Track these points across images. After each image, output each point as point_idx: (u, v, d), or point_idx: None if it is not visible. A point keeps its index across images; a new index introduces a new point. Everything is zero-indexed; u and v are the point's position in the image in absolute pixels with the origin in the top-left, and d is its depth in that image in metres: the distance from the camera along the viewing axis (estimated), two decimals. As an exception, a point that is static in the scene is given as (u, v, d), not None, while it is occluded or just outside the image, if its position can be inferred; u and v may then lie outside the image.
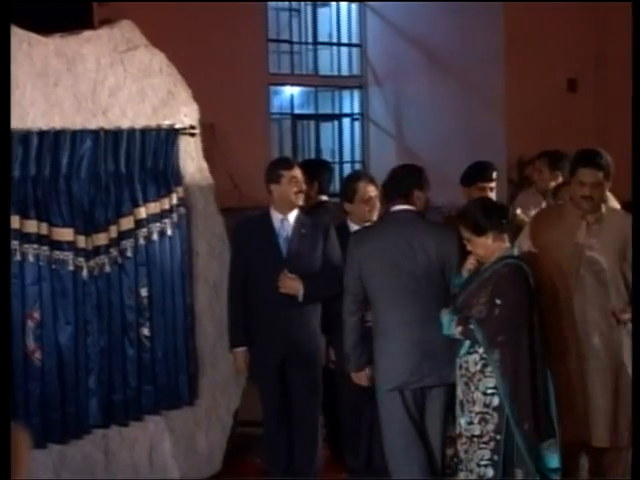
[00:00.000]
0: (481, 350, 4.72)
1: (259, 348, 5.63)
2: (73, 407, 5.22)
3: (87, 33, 5.49)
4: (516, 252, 4.86)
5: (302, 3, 22.29)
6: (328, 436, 6.20)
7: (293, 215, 5.63)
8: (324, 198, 6.40)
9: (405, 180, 5.25)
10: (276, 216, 5.64)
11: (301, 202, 5.64)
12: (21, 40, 5.12)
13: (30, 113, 5.12)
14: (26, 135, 5.01)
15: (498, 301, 4.66)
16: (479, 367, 4.74)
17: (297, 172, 5.62)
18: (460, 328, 4.73)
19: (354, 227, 5.72)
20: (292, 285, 5.48)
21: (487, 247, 4.79)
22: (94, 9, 15.21)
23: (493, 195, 6.19)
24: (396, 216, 5.21)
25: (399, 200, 5.20)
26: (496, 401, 4.70)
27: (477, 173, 6.28)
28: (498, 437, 4.70)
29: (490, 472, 4.73)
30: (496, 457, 4.71)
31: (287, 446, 5.69)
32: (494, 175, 6.24)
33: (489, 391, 4.71)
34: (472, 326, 4.69)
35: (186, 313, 5.66)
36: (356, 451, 5.85)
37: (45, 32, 5.30)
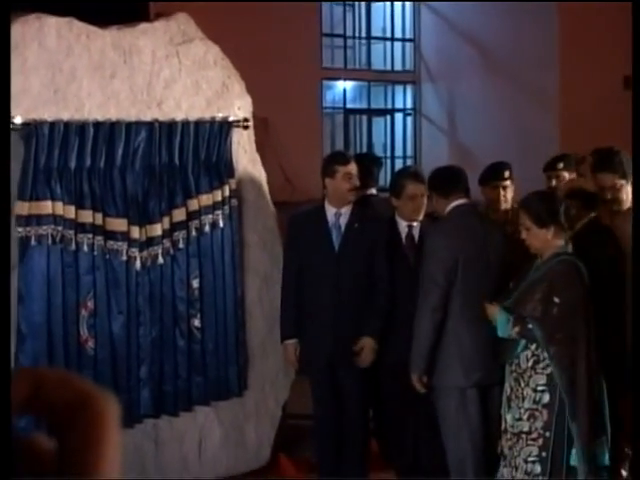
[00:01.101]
0: (533, 347, 4.69)
1: (310, 341, 5.64)
2: (125, 396, 5.27)
3: (143, 26, 5.53)
4: (570, 249, 4.82)
5: (356, -2, 22.26)
6: (376, 431, 6.19)
7: (347, 209, 5.63)
8: (372, 192, 6.38)
9: (465, 177, 5.32)
10: (330, 210, 5.64)
11: (354, 198, 5.64)
12: (79, 33, 5.17)
13: (87, 104, 5.17)
14: (82, 126, 5.07)
15: (556, 299, 4.62)
16: (530, 363, 4.71)
17: (352, 168, 5.60)
18: (517, 328, 4.70)
19: (402, 222, 5.70)
20: (369, 355, 5.52)
21: (545, 241, 4.75)
22: (150, 2, 15.33)
23: (508, 194, 6.18)
24: (470, 210, 5.26)
25: (462, 195, 5.22)
26: (546, 398, 4.67)
27: (491, 173, 6.32)
28: (547, 434, 4.67)
29: (538, 468, 4.71)
30: (544, 454, 4.69)
31: (337, 440, 5.70)
32: (507, 174, 6.26)
33: (539, 388, 4.69)
34: (530, 325, 4.66)
35: (236, 305, 5.69)
36: (402, 450, 5.84)
37: (102, 25, 5.35)
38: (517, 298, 4.77)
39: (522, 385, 4.74)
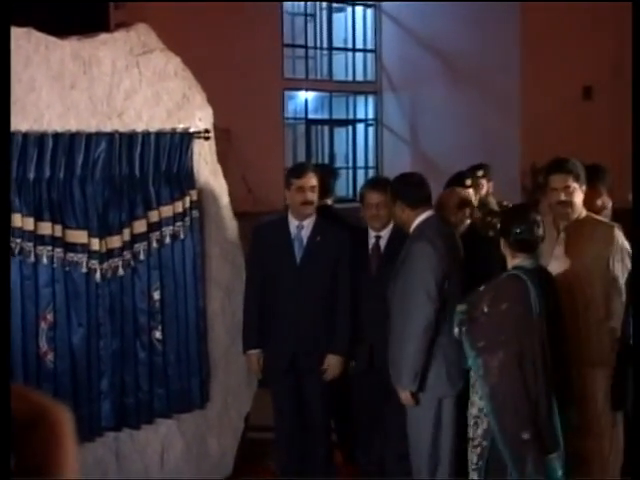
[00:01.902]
0: None
1: (271, 352, 5.66)
2: (85, 409, 5.22)
3: (103, 36, 5.50)
4: (530, 264, 4.71)
5: (317, 9, 22.34)
6: (339, 439, 6.19)
7: (310, 221, 5.63)
8: (327, 203, 6.34)
9: (429, 185, 5.34)
10: (293, 222, 5.66)
11: (308, 212, 5.61)
12: (38, 43, 5.13)
13: (46, 115, 5.13)
14: (41, 137, 5.02)
15: (486, 309, 4.68)
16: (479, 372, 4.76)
17: (305, 182, 5.58)
18: (456, 329, 4.79)
19: (371, 232, 5.69)
20: (334, 371, 5.59)
21: (502, 249, 4.81)
22: (111, 12, 15.28)
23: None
24: (441, 221, 5.31)
25: (430, 205, 5.26)
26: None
27: (452, 179, 6.45)
28: (484, 443, 4.69)
29: (475, 476, 4.73)
30: (480, 462, 4.71)
31: (300, 450, 5.70)
32: (468, 182, 6.35)
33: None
34: (457, 329, 4.73)
35: (198, 316, 5.66)
36: (368, 453, 5.84)
37: (62, 35, 5.32)
38: (472, 305, 4.79)
39: (473, 392, 4.77)
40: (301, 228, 5.64)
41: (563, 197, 5.16)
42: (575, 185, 5.17)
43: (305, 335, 5.56)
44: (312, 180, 5.60)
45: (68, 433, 0.89)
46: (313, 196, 5.60)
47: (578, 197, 5.20)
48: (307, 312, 5.54)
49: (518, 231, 4.70)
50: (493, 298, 4.68)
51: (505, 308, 4.62)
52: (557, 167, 5.26)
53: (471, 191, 6.34)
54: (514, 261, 4.75)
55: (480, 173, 6.69)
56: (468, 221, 5.85)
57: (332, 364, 5.58)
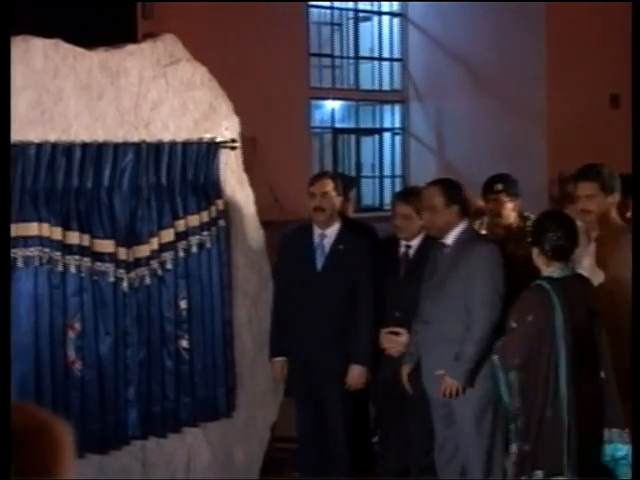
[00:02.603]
0: None
1: (291, 359, 5.73)
2: (112, 418, 5.25)
3: (130, 47, 5.54)
4: (559, 273, 4.61)
5: (344, 18, 22.36)
6: (361, 447, 6.16)
7: (333, 230, 5.65)
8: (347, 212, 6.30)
9: None
10: (316, 230, 5.69)
11: (320, 218, 5.63)
12: (66, 54, 5.18)
13: (74, 125, 5.17)
14: (69, 147, 5.06)
15: (513, 324, 4.61)
16: None
17: (316, 188, 5.62)
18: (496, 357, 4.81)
19: (402, 242, 5.69)
20: (356, 382, 5.55)
21: (534, 258, 4.72)
22: (138, 23, 15.37)
23: (504, 208, 6.01)
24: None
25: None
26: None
27: (484, 185, 6.15)
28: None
29: None
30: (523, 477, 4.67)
31: (320, 455, 5.72)
32: (498, 187, 6.03)
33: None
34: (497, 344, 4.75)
35: (225, 326, 5.68)
36: (391, 461, 5.83)
37: (89, 46, 5.36)
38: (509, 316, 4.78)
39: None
40: (324, 237, 5.66)
41: (584, 205, 5.05)
42: (600, 193, 5.02)
43: (321, 341, 5.58)
44: (324, 187, 5.62)
45: (68, 446, 0.91)
46: (325, 203, 5.61)
47: (602, 206, 5.03)
48: (324, 319, 5.57)
49: (555, 238, 4.56)
50: (518, 312, 4.62)
51: (532, 321, 4.53)
52: (582, 174, 5.16)
53: (505, 198, 6.03)
54: (547, 270, 4.64)
55: (499, 187, 6.26)
56: (483, 232, 5.79)
57: (355, 375, 5.57)
